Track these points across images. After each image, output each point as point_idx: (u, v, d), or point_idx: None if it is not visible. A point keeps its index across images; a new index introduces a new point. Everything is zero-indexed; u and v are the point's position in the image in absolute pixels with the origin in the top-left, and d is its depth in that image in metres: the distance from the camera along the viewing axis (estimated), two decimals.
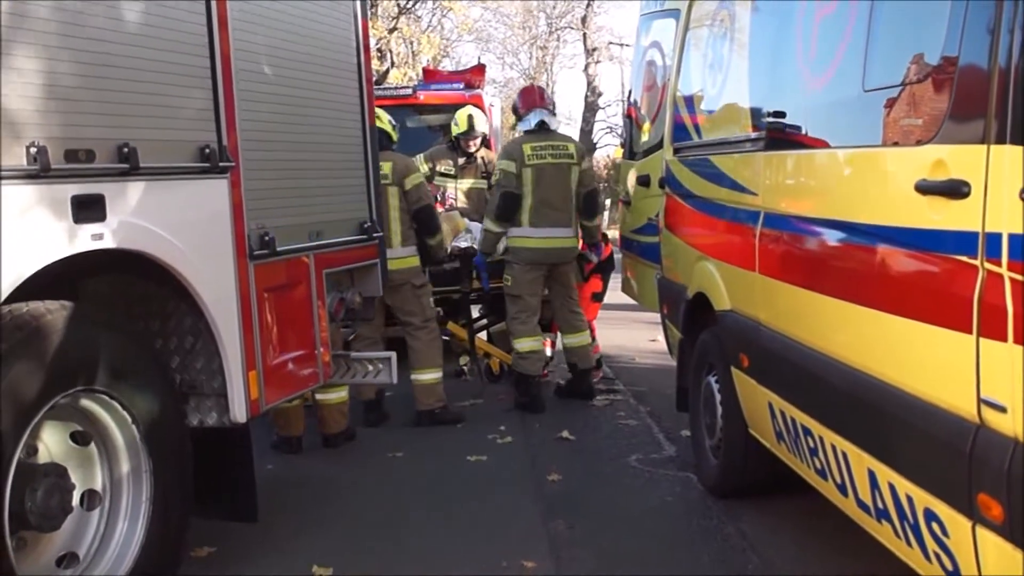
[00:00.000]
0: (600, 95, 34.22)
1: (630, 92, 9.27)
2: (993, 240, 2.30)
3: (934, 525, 2.60)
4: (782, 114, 3.85)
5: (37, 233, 2.94)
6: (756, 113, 4.19)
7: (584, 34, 33.95)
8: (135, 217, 3.30)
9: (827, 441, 3.28)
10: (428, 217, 6.30)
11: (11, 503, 2.91)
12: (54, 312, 3.05)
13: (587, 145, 29.95)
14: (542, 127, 6.69)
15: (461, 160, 7.85)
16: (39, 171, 2.92)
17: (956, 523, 2.47)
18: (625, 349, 9.08)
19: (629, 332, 9.65)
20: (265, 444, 5.67)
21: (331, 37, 4.68)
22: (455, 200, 7.88)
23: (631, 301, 7.58)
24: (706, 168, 4.81)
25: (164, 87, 3.47)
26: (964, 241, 2.41)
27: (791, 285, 3.61)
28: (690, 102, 5.25)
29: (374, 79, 5.61)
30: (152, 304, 3.79)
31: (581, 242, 6.98)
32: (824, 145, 3.49)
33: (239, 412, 3.76)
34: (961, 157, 2.44)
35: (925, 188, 2.57)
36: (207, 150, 3.65)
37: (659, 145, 6.00)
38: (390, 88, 10.07)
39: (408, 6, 23.33)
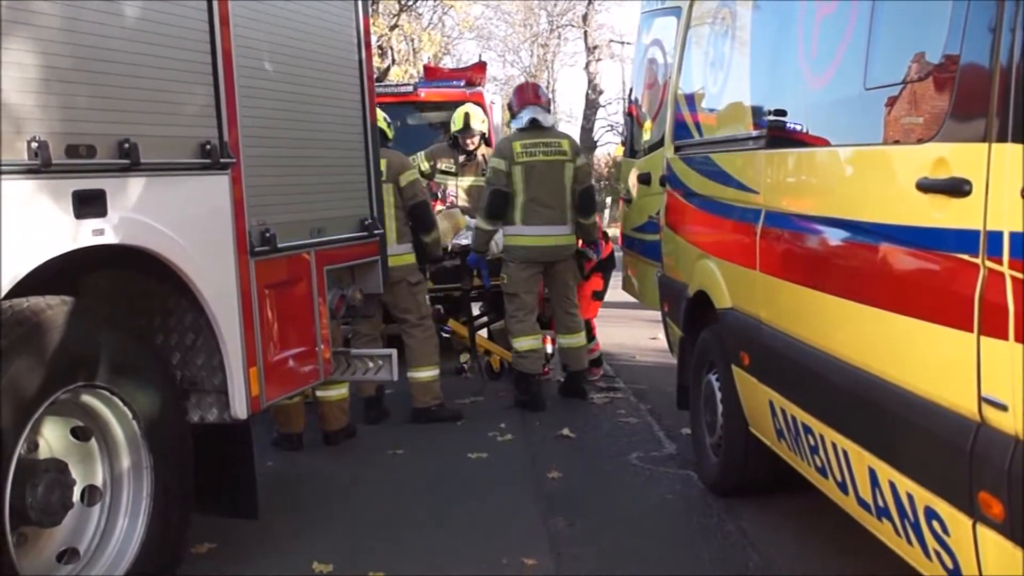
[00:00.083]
0: (601, 93, 34.27)
1: (631, 90, 9.27)
2: (994, 238, 2.30)
3: (935, 523, 2.60)
4: (783, 112, 3.85)
5: (38, 228, 2.94)
6: (757, 111, 4.18)
7: (585, 32, 33.96)
8: (136, 213, 3.30)
9: (828, 439, 3.28)
10: (423, 213, 6.28)
11: (12, 499, 2.91)
12: (55, 307, 3.05)
13: (588, 143, 29.93)
14: (534, 124, 6.62)
15: (462, 158, 7.85)
16: (40, 166, 2.92)
17: (957, 521, 2.47)
18: (626, 347, 9.08)
19: (630, 330, 9.65)
20: (266, 441, 5.67)
21: (332, 34, 4.68)
22: (456, 198, 7.88)
23: (632, 299, 7.59)
24: (707, 166, 4.80)
25: (165, 83, 3.47)
26: (965, 239, 2.41)
27: (792, 283, 3.61)
28: (691, 100, 5.24)
29: (375, 76, 5.60)
30: (153, 300, 3.79)
31: (579, 240, 6.96)
32: (825, 143, 3.49)
33: (240, 408, 3.76)
34: (962, 155, 2.44)
35: (926, 186, 2.57)
36: (208, 146, 3.65)
37: (660, 143, 6.00)
38: (391, 85, 10.07)
39: (409, 3, 23.37)
